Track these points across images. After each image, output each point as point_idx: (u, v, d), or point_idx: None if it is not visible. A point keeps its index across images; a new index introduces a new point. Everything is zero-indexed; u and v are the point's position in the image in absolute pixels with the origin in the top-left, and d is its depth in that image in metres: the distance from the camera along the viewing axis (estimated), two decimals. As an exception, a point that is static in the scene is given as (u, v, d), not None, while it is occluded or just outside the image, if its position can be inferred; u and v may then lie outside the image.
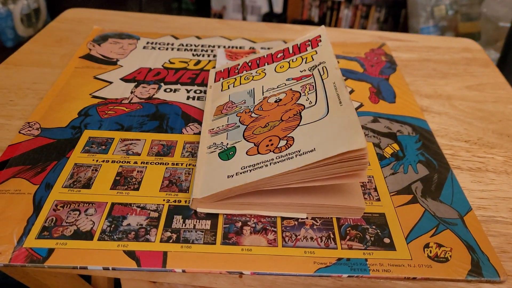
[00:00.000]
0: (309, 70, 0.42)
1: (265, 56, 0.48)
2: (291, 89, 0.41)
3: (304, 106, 0.37)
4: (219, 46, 0.58)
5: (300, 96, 0.39)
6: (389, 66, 0.55)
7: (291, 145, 0.34)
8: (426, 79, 0.55)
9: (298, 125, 0.36)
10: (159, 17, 0.67)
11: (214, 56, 0.56)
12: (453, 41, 0.65)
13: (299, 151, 0.32)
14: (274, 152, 0.34)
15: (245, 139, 0.37)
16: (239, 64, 0.48)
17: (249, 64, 0.48)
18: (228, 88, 0.45)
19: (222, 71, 0.49)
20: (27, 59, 0.53)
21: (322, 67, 0.41)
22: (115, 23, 0.64)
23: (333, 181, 0.32)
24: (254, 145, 0.35)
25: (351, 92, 0.50)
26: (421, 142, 0.43)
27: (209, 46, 0.58)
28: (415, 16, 1.69)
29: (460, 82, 0.55)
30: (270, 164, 0.33)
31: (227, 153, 0.36)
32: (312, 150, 0.32)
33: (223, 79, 0.47)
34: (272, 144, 0.35)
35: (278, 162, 0.32)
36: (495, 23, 1.41)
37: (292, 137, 0.34)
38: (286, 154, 0.33)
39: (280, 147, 0.34)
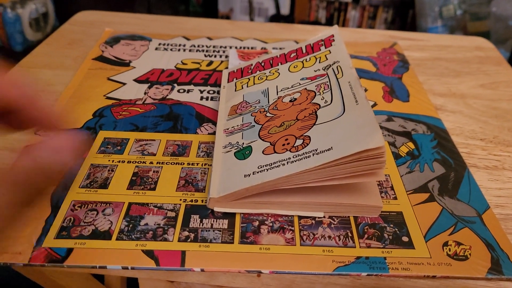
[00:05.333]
0: (324, 70, 0.42)
1: (278, 56, 0.48)
2: (305, 88, 0.41)
3: (319, 105, 0.37)
4: (230, 47, 0.58)
5: (315, 95, 0.39)
6: (402, 65, 0.55)
7: (307, 144, 0.33)
8: (439, 77, 0.54)
9: (314, 124, 0.35)
10: (170, 18, 0.67)
11: (226, 56, 0.56)
12: (465, 40, 0.64)
13: (316, 150, 0.32)
14: (290, 151, 0.34)
15: (260, 138, 0.37)
16: (252, 64, 0.48)
17: (262, 64, 0.48)
18: (242, 88, 0.45)
19: (235, 71, 0.49)
20: (39, 61, 0.54)
21: (337, 67, 0.41)
22: (127, 25, 0.64)
23: (350, 180, 0.32)
24: (270, 144, 0.35)
25: (365, 91, 0.50)
26: (437, 140, 0.43)
27: (220, 46, 0.58)
28: (423, 16, 1.68)
29: (473, 80, 0.54)
30: (288, 163, 0.33)
31: (243, 153, 0.36)
32: (329, 149, 0.32)
33: (236, 79, 0.47)
34: (288, 143, 0.35)
35: (295, 161, 0.32)
36: (505, 22, 1.40)
37: (309, 136, 0.34)
38: (303, 153, 0.33)
39: (297, 146, 0.34)
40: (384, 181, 0.37)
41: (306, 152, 0.33)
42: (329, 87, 0.39)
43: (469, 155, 0.42)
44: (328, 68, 0.42)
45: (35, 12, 1.85)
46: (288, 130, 0.36)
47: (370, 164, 0.30)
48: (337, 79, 0.39)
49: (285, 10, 2.11)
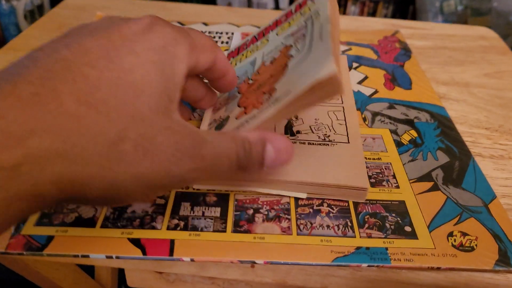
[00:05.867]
0: (305, 22, 0.39)
1: (271, 24, 0.45)
2: (285, 45, 0.38)
3: (292, 55, 0.35)
4: (227, 33, 0.56)
5: (292, 48, 0.36)
6: (404, 53, 0.53)
7: (271, 96, 0.31)
8: (442, 66, 0.53)
9: (283, 75, 0.33)
10: (164, 4, 0.65)
11: (222, 42, 0.54)
12: (469, 29, 0.62)
13: (277, 98, 0.29)
14: (257, 108, 0.31)
15: (238, 106, 0.34)
16: (248, 39, 0.46)
17: (256, 36, 0.45)
18: (236, 64, 0.43)
19: (234, 50, 0.47)
20: (27, 44, 0.52)
21: (316, 12, 0.37)
22: (119, 10, 0.62)
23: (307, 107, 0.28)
24: (244, 108, 0.33)
25: (365, 78, 0.48)
26: (440, 129, 0.41)
27: (216, 32, 0.56)
28: (423, 12, 1.66)
29: (477, 69, 0.52)
30: (251, 119, 0.30)
31: (221, 125, 0.34)
32: (287, 92, 0.28)
33: (232, 58, 0.45)
34: (258, 102, 0.32)
35: (257, 116, 0.30)
36: (506, 17, 1.38)
37: (275, 88, 0.32)
38: (266, 106, 0.30)
39: (262, 101, 0.31)
40: (385, 169, 0.36)
41: (268, 104, 0.30)
42: (304, 35, 0.36)
43: (474, 144, 0.40)
44: (309, 19, 0.39)
45: (30, 4, 1.82)
46: (260, 89, 0.34)
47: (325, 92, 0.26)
48: (313, 25, 0.36)
49: (284, 4, 2.09)
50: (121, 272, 0.55)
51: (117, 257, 0.28)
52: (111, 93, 0.20)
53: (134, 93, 0.21)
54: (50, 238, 0.29)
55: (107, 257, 0.28)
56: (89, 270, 0.54)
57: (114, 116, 0.20)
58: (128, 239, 0.29)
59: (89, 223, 0.30)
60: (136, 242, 0.29)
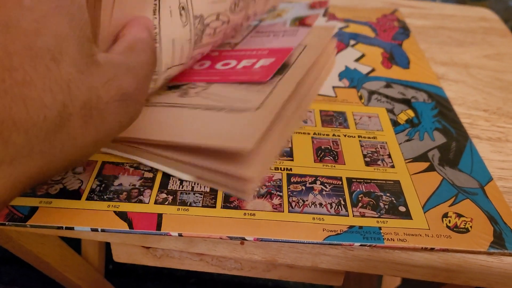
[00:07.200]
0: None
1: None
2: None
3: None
4: None
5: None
6: (402, 32, 0.52)
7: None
8: (442, 46, 0.51)
9: None
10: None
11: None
12: (469, 10, 0.61)
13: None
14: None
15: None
16: None
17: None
18: None
19: None
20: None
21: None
22: None
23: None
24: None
25: (362, 56, 0.47)
26: (438, 109, 0.40)
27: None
28: (422, -5, 1.64)
29: (477, 51, 0.51)
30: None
31: None
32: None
33: None
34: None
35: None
36: (505, 2, 1.36)
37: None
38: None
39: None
40: (381, 148, 0.35)
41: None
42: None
43: (472, 125, 0.39)
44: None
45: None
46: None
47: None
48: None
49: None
50: (108, 249, 0.55)
51: (103, 230, 0.27)
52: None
53: None
54: (33, 209, 0.28)
55: (92, 230, 0.27)
56: (76, 245, 0.53)
57: None
58: (115, 212, 0.28)
59: (74, 195, 0.29)
60: (123, 216, 0.28)
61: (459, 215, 0.30)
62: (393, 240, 0.28)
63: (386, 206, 0.30)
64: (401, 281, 0.62)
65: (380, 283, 0.63)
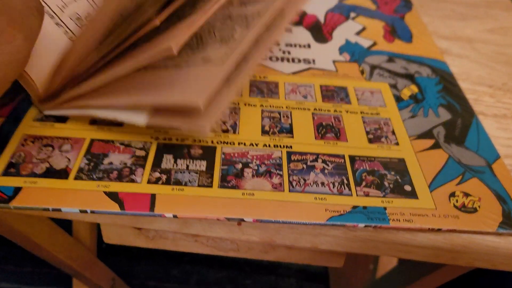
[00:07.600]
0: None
1: None
2: None
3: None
4: None
5: None
6: (404, 5, 0.50)
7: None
8: (444, 20, 0.49)
9: None
10: None
11: None
12: (472, -17, 0.59)
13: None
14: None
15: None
16: None
17: None
18: None
19: None
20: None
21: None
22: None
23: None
24: None
25: (363, 29, 0.45)
26: (442, 84, 0.38)
27: None
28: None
29: (481, 24, 0.49)
30: None
31: None
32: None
33: None
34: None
35: None
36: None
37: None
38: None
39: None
40: (384, 125, 0.33)
41: None
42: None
43: (476, 101, 0.38)
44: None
45: None
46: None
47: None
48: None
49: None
50: (100, 228, 0.53)
51: (92, 212, 0.26)
52: None
53: None
54: (17, 190, 0.26)
55: (81, 211, 0.26)
56: (67, 225, 0.52)
57: None
58: (105, 192, 0.26)
59: (61, 174, 0.27)
60: (114, 196, 0.26)
61: (467, 194, 0.29)
62: (399, 221, 0.27)
63: (391, 185, 0.29)
64: (398, 261, 0.62)
65: (376, 263, 0.63)
